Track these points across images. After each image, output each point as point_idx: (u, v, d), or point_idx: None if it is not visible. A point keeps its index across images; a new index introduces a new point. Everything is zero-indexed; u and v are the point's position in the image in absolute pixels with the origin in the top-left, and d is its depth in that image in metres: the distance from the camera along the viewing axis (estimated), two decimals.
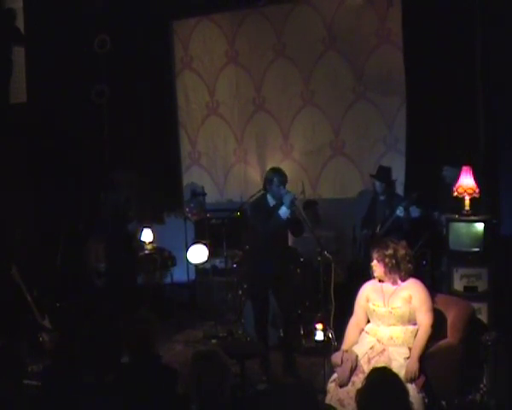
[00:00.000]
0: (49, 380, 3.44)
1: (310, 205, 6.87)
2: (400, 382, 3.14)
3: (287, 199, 5.26)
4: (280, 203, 5.33)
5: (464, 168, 5.72)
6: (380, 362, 4.13)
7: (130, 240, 6.56)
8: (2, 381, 3.32)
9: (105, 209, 7.29)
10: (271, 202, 5.43)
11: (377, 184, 6.28)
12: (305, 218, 5.49)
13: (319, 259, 5.42)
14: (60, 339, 5.75)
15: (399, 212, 5.88)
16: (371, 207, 6.42)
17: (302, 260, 6.53)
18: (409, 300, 4.31)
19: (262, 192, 5.60)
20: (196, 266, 7.46)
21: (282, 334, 5.79)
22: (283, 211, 5.25)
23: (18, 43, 7.81)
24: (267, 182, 5.44)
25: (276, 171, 5.50)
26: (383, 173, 6.30)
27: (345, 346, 4.43)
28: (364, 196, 6.99)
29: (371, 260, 4.46)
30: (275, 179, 5.36)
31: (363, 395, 2.98)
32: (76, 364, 3.37)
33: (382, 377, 3.09)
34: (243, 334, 6.43)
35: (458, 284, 5.59)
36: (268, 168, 5.88)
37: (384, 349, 4.25)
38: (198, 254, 6.97)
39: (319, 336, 5.83)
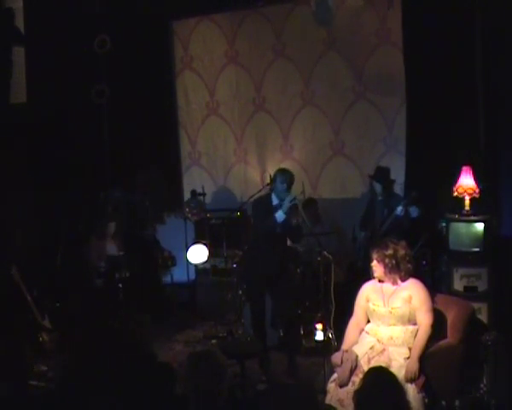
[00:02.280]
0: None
1: (310, 204, 6.88)
2: (397, 381, 3.14)
3: (285, 203, 5.28)
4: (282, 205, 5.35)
5: (464, 168, 5.73)
6: (380, 362, 4.13)
7: (150, 245, 6.24)
8: (6, 381, 3.32)
9: (121, 211, 7.32)
10: (275, 200, 5.45)
11: (376, 184, 6.28)
12: (305, 218, 5.49)
13: (319, 259, 5.42)
14: (60, 339, 5.76)
15: (398, 211, 5.88)
16: (369, 208, 6.41)
17: (302, 260, 6.53)
18: (409, 300, 4.31)
19: (268, 191, 5.64)
20: (196, 266, 7.46)
21: (281, 334, 5.79)
22: (279, 215, 5.29)
23: (18, 43, 7.80)
24: (272, 180, 5.50)
25: (281, 170, 5.55)
26: (381, 174, 6.29)
27: (345, 346, 4.44)
28: (364, 196, 6.99)
29: (371, 261, 4.46)
30: (277, 178, 5.40)
31: (360, 395, 2.99)
32: (76, 364, 3.37)
33: (379, 376, 3.10)
34: (243, 334, 6.43)
35: (458, 284, 5.60)
36: (267, 168, 5.91)
37: (384, 349, 4.26)
38: (198, 254, 6.98)
39: (319, 336, 5.84)
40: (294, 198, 5.34)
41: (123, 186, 7.79)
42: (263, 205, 5.49)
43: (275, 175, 5.49)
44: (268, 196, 5.56)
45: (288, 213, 5.30)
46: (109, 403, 3.31)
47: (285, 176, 5.41)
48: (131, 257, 6.21)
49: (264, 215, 5.39)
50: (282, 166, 6.64)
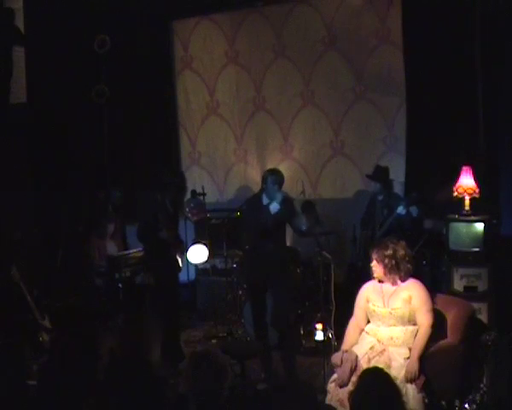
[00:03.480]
0: (46, 378, 3.43)
1: (308, 206, 6.87)
2: (392, 382, 3.13)
3: (278, 197, 5.30)
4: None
5: (464, 168, 5.73)
6: (380, 362, 4.14)
7: (167, 246, 5.92)
8: (4, 380, 3.32)
9: (121, 210, 7.25)
10: (265, 200, 5.44)
11: (375, 184, 6.28)
12: (303, 216, 5.50)
13: (319, 259, 5.41)
14: (56, 337, 5.73)
15: (400, 210, 5.87)
16: (370, 207, 6.41)
17: (302, 260, 6.53)
18: (409, 300, 4.31)
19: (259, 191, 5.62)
20: (196, 266, 7.46)
21: (279, 334, 5.78)
22: (273, 206, 5.30)
23: (18, 43, 7.81)
24: (263, 181, 5.49)
25: (271, 171, 5.54)
26: (379, 173, 6.28)
27: (345, 346, 4.43)
28: (364, 196, 6.98)
29: (371, 261, 4.46)
30: (269, 179, 5.40)
31: (355, 397, 2.99)
32: (71, 363, 3.36)
33: (374, 377, 3.09)
34: (243, 334, 6.43)
35: (458, 284, 5.60)
36: (267, 168, 5.91)
37: (384, 350, 4.25)
38: (198, 254, 6.97)
39: (319, 336, 5.83)
40: (283, 193, 5.36)
41: (124, 186, 7.80)
42: (253, 204, 5.50)
43: (266, 176, 5.47)
44: (258, 196, 5.55)
45: (282, 204, 5.30)
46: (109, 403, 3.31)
47: (276, 177, 5.41)
48: (152, 257, 5.95)
49: (255, 213, 5.40)
50: (282, 165, 6.64)
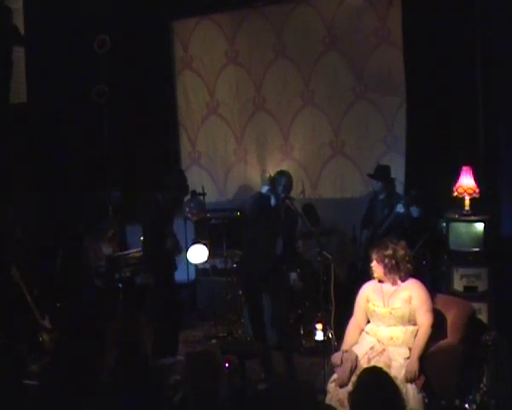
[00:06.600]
0: (48, 379, 3.43)
1: (307, 208, 6.86)
2: (391, 381, 3.13)
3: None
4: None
5: (464, 168, 5.73)
6: (380, 362, 4.14)
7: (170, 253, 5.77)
8: (2, 380, 3.32)
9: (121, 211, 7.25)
10: (273, 202, 5.43)
11: (376, 183, 6.28)
12: (304, 217, 5.49)
13: (319, 259, 5.41)
14: (58, 338, 5.74)
15: (399, 208, 5.88)
16: (370, 207, 6.41)
17: (302, 260, 6.52)
18: (409, 300, 4.31)
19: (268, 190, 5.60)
20: (196, 266, 7.46)
21: (277, 335, 5.78)
22: (272, 200, 5.32)
23: (18, 43, 7.80)
24: (273, 183, 5.44)
25: (283, 173, 5.52)
26: (381, 172, 6.29)
27: (345, 346, 4.44)
28: (364, 196, 6.99)
29: (371, 261, 4.46)
30: (278, 179, 5.38)
31: (354, 397, 2.98)
32: (73, 364, 3.37)
33: (373, 377, 3.08)
34: (243, 334, 6.43)
35: (458, 284, 5.60)
36: (267, 168, 5.90)
37: (384, 349, 4.26)
38: (198, 254, 6.97)
39: (319, 336, 5.83)
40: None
41: (124, 186, 7.80)
42: (261, 202, 5.47)
43: (274, 178, 5.45)
44: (267, 197, 5.52)
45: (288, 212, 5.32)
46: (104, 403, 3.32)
47: (285, 177, 5.40)
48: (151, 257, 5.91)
49: (265, 213, 5.39)
50: (282, 165, 6.63)
